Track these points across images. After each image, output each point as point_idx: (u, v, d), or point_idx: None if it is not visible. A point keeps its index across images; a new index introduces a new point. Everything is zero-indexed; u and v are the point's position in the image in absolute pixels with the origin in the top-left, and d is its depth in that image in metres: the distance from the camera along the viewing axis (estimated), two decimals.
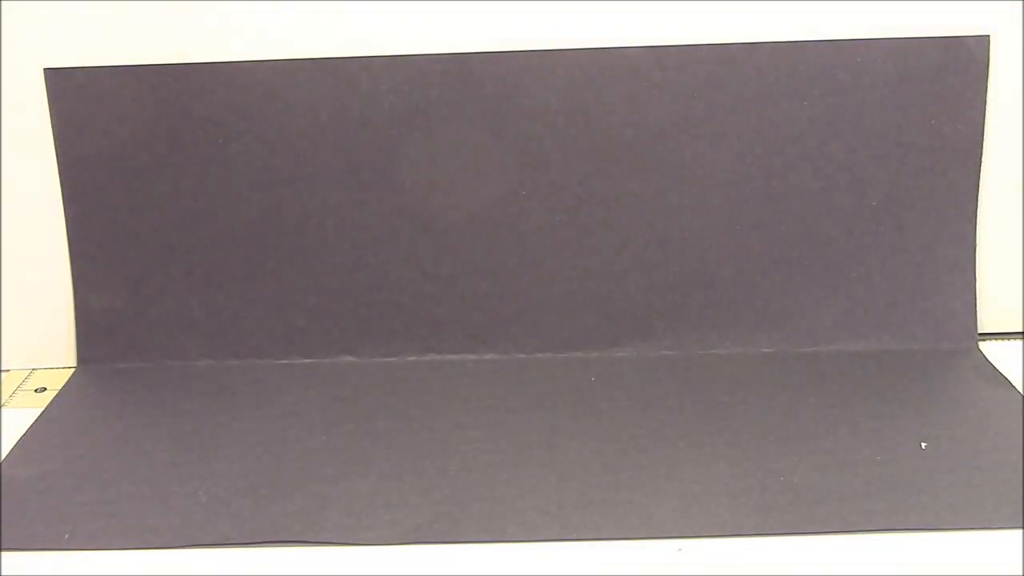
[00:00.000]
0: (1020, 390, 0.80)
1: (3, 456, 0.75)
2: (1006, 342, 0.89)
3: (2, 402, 0.83)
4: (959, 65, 0.83)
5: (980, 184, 0.85)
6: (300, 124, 0.83)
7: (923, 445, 0.73)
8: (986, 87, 0.83)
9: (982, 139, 0.84)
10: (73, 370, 0.87)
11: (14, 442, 0.76)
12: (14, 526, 0.67)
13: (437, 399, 0.81)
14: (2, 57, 0.82)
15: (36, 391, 0.85)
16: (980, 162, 0.84)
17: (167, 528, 0.66)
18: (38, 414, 0.80)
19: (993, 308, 0.89)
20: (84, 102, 0.83)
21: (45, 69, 0.82)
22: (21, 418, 0.80)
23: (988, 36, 0.82)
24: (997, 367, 0.83)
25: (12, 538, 0.66)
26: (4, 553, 0.64)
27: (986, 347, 0.87)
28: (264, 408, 0.80)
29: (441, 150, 0.84)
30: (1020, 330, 0.90)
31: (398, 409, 0.80)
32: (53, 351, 0.89)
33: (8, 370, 0.89)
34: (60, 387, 0.84)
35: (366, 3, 0.82)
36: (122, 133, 0.83)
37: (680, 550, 0.63)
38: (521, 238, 0.86)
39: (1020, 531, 0.64)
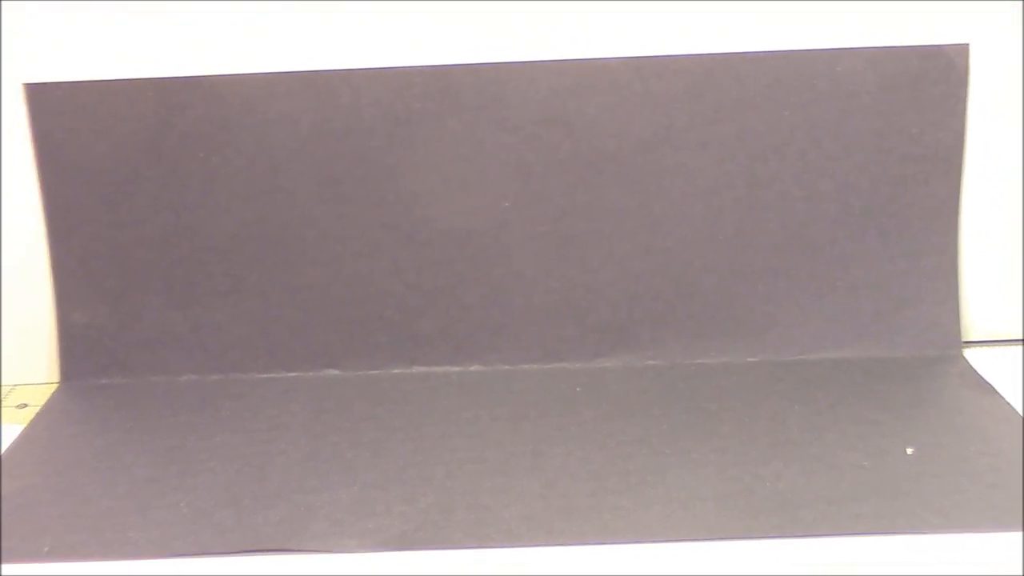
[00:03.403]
0: (1004, 397, 0.80)
1: None
2: (990, 349, 0.89)
3: None
4: (939, 73, 0.83)
5: (962, 191, 0.85)
6: (281, 137, 0.83)
7: (909, 450, 0.72)
8: (966, 95, 0.84)
9: (963, 147, 0.84)
10: (56, 386, 0.86)
11: None
12: None
13: (422, 411, 0.81)
14: None
15: (18, 407, 0.84)
16: (961, 169, 0.85)
17: (147, 539, 0.65)
18: (20, 431, 0.79)
19: (977, 316, 0.89)
20: (65, 117, 0.83)
21: (25, 84, 0.82)
22: (2, 435, 0.79)
23: (967, 44, 0.83)
24: (981, 374, 0.83)
25: None
26: None
27: (970, 354, 0.86)
28: (247, 422, 0.80)
29: (423, 162, 0.84)
30: (1004, 338, 0.90)
31: (382, 420, 0.79)
32: (35, 367, 0.88)
33: None
34: (42, 403, 0.84)
35: (347, 16, 0.82)
36: (103, 148, 0.83)
37: None
38: (504, 249, 0.86)
39: (1006, 534, 0.64)
